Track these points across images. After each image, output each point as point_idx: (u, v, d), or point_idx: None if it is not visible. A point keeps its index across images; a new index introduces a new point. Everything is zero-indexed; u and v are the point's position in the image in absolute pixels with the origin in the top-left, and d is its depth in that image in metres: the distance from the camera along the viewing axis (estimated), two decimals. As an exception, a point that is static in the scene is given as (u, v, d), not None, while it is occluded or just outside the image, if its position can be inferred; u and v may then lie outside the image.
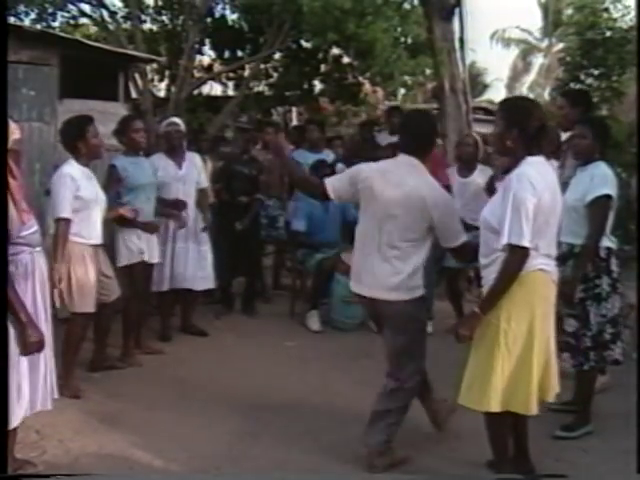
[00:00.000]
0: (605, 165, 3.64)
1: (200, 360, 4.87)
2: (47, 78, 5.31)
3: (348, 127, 11.54)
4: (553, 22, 22.08)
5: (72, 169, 4.06)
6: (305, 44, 10.08)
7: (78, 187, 4.02)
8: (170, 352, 5.00)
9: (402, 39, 9.39)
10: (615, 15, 11.55)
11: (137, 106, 8.71)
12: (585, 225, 3.57)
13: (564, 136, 4.25)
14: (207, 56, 11.27)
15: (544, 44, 25.17)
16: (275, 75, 11.07)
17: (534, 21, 32.32)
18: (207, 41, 10.64)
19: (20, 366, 2.84)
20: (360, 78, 10.57)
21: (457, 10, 9.28)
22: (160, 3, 10.81)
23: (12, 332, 2.68)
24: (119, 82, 6.00)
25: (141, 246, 4.70)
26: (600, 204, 3.55)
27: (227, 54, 10.77)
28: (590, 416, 3.70)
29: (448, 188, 4.74)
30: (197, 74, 10.86)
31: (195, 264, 5.28)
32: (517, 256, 2.79)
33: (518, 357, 2.86)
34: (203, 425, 3.71)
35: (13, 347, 2.71)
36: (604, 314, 3.61)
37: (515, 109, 2.97)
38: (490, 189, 4.92)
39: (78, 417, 3.76)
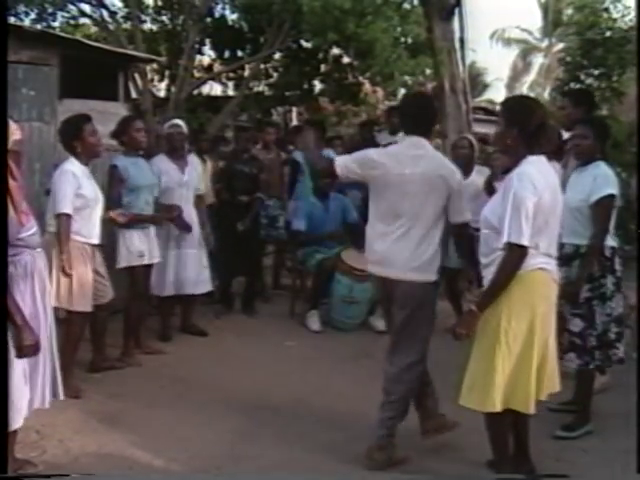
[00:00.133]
0: (605, 165, 3.65)
1: (200, 360, 4.87)
2: (47, 78, 5.30)
3: (348, 127, 11.52)
4: (553, 22, 22.08)
5: (73, 167, 4.07)
6: (305, 44, 10.06)
7: (80, 185, 4.03)
8: (170, 352, 5.00)
9: (402, 39, 9.36)
10: (615, 15, 11.53)
11: (137, 106, 8.69)
12: (589, 226, 3.58)
13: (566, 135, 4.25)
14: (207, 56, 11.25)
15: (544, 44, 25.17)
16: (275, 75, 11.05)
17: (534, 21, 32.25)
18: (207, 41, 10.62)
19: (21, 366, 2.85)
20: (360, 78, 10.55)
21: (457, 10, 9.29)
22: (160, 3, 10.79)
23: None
24: (119, 82, 5.99)
25: (141, 248, 4.69)
26: (604, 204, 3.56)
27: (227, 54, 10.75)
28: (590, 416, 3.70)
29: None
30: (197, 74, 10.84)
31: (197, 269, 5.29)
32: (516, 254, 2.79)
33: (518, 356, 2.86)
34: (203, 425, 3.71)
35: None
36: (609, 313, 3.63)
37: (515, 108, 2.98)
38: (489, 189, 4.92)
39: (78, 417, 3.76)
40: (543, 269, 2.88)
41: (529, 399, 2.90)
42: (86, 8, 10.30)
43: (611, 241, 3.65)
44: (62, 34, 6.32)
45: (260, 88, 11.21)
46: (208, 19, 10.23)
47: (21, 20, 9.46)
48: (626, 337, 3.88)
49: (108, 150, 4.68)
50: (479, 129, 10.26)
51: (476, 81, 22.98)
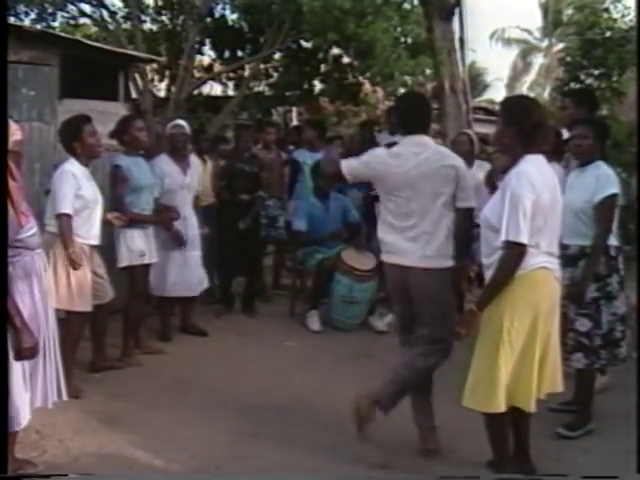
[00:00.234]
0: (605, 165, 3.66)
1: (200, 360, 4.87)
2: (47, 78, 5.29)
3: (348, 127, 11.52)
4: (553, 22, 22.11)
5: (73, 167, 4.06)
6: (305, 44, 10.06)
7: (80, 186, 4.02)
8: (170, 352, 5.00)
9: (402, 39, 9.37)
10: (615, 15, 11.56)
11: (137, 106, 8.69)
12: (593, 226, 3.59)
13: (567, 135, 4.25)
14: (207, 56, 11.26)
15: (544, 44, 25.19)
16: (275, 75, 11.06)
17: (534, 21, 32.33)
18: (207, 41, 10.62)
19: (21, 367, 2.84)
20: (360, 78, 10.56)
21: (457, 10, 9.30)
22: (160, 3, 10.80)
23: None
24: (119, 82, 5.98)
25: (142, 248, 4.68)
26: (608, 203, 3.58)
27: (227, 54, 10.75)
28: (591, 415, 3.70)
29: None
30: (197, 74, 10.84)
31: (196, 270, 5.29)
32: (514, 252, 2.79)
33: (520, 354, 2.87)
34: (203, 425, 3.71)
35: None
36: (614, 312, 3.64)
37: (514, 107, 3.00)
38: (490, 183, 4.94)
39: (78, 417, 3.76)
40: (545, 268, 2.88)
41: (531, 397, 2.90)
42: (86, 8, 10.31)
43: (615, 240, 3.66)
44: (62, 34, 6.30)
45: (260, 88, 11.21)
46: (208, 19, 10.23)
47: (21, 20, 9.46)
48: (627, 337, 3.89)
49: (108, 150, 4.68)
50: (479, 129, 10.23)
51: (476, 81, 23.00)
